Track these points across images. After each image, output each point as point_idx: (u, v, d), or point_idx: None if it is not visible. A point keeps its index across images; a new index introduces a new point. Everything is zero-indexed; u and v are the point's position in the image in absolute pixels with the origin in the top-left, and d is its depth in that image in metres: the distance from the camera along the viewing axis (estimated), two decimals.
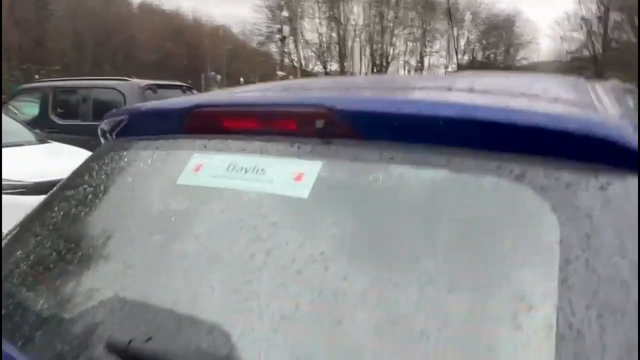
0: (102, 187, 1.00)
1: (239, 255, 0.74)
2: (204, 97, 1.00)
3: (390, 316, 0.62)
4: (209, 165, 0.88)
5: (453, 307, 0.61)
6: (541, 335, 0.56)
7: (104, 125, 1.18)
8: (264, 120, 0.88)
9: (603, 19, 26.48)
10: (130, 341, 0.65)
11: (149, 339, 0.65)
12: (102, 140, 1.21)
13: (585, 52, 27.15)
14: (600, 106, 0.84)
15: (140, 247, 0.84)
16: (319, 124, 0.82)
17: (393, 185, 0.75)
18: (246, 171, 0.83)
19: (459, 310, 0.61)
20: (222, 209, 0.82)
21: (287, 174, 0.80)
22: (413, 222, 0.72)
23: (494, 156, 0.72)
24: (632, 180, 0.68)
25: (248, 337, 0.65)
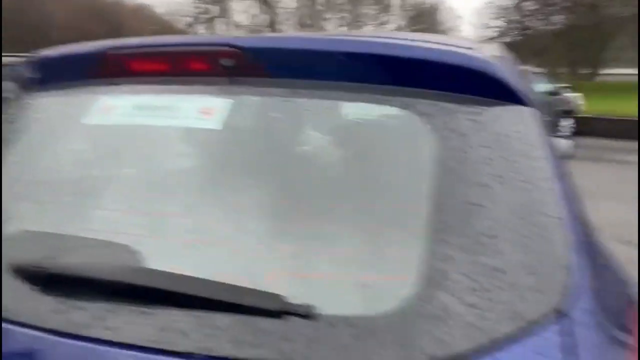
0: (9, 134, 0.98)
1: (151, 183, 0.77)
2: (114, 41, 1.01)
3: (291, 222, 0.69)
4: (118, 105, 0.89)
5: (350, 208, 0.69)
6: (419, 225, 0.65)
7: (9, 84, 1.15)
8: (173, 61, 0.90)
9: (518, 7, 28.19)
10: (37, 263, 0.66)
11: (56, 258, 0.66)
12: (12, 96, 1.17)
13: (504, 39, 28.81)
14: (481, 50, 0.95)
15: (52, 184, 0.85)
16: (228, 62, 0.85)
17: (297, 116, 0.82)
18: (156, 109, 0.86)
19: (356, 210, 0.69)
20: (133, 143, 0.84)
21: (196, 110, 0.83)
22: (316, 147, 0.79)
23: (386, 89, 0.80)
24: (500, 107, 0.78)
25: (160, 251, 0.69)
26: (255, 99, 0.83)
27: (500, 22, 28.81)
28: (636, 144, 10.77)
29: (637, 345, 0.62)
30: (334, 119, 0.80)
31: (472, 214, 0.65)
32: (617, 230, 4.56)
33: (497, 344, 0.55)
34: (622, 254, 3.75)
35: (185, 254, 0.68)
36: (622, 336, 0.61)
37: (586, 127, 12.04)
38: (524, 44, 27.85)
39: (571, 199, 0.74)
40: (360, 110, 0.80)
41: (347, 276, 0.64)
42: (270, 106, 0.82)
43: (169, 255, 0.68)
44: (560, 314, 0.57)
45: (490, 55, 0.89)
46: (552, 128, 10.02)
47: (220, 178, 0.76)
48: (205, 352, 0.57)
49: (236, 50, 0.85)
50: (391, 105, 0.78)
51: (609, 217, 5.01)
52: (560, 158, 0.85)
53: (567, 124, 11.72)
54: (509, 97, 0.80)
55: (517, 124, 0.77)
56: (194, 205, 0.73)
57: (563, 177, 0.76)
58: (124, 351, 0.59)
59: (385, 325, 0.57)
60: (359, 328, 0.57)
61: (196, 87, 0.86)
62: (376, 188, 0.72)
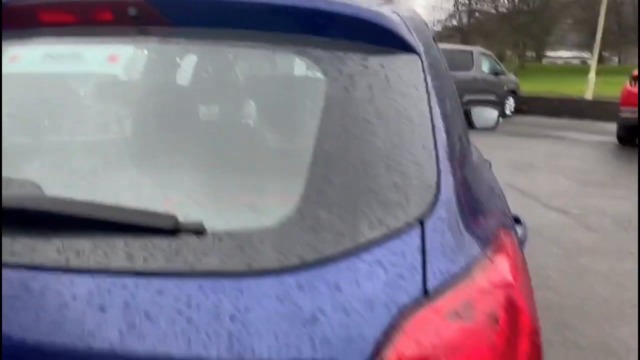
0: None
1: (55, 125, 0.80)
2: None
3: (188, 155, 0.74)
4: (25, 56, 0.91)
5: (245, 141, 0.75)
6: (305, 154, 0.72)
7: None
8: (79, 12, 0.92)
9: None
10: None
11: None
12: None
13: (454, 22, 29.53)
14: (381, 8, 1.02)
15: None
16: (132, 11, 0.88)
17: (197, 62, 0.86)
18: (63, 57, 0.88)
19: (250, 142, 0.75)
20: (39, 90, 0.87)
21: (102, 57, 0.87)
22: (215, 88, 0.84)
23: (283, 37, 0.86)
24: (389, 55, 0.86)
25: (63, 188, 0.72)
26: (157, 46, 0.86)
27: (450, 5, 29.40)
28: (572, 121, 11.44)
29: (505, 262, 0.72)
30: (231, 64, 0.85)
31: (352, 144, 0.72)
32: (554, 200, 4.87)
33: (363, 247, 0.63)
34: (558, 221, 4.00)
35: (88, 186, 0.72)
36: (480, 245, 0.70)
37: (526, 105, 12.64)
38: (473, 27, 28.65)
39: (449, 134, 0.82)
40: (259, 56, 0.85)
41: (237, 199, 0.70)
42: (172, 53, 0.86)
43: (72, 187, 0.72)
44: (419, 223, 0.66)
45: (388, 11, 0.96)
46: (500, 106, 10.28)
47: (124, 117, 0.80)
48: (99, 267, 0.62)
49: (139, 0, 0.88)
50: (288, 51, 0.84)
51: (547, 188, 5.35)
52: (457, 109, 0.94)
53: (511, 102, 12.29)
54: (399, 46, 0.87)
55: (402, 69, 0.85)
56: (98, 142, 0.77)
57: (444, 116, 0.84)
58: (25, 272, 0.63)
59: (266, 237, 0.64)
60: (242, 240, 0.63)
61: (101, 35, 0.88)
62: (267, 122, 0.78)
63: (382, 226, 0.65)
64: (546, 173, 6.01)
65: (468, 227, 0.71)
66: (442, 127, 0.81)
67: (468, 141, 1.04)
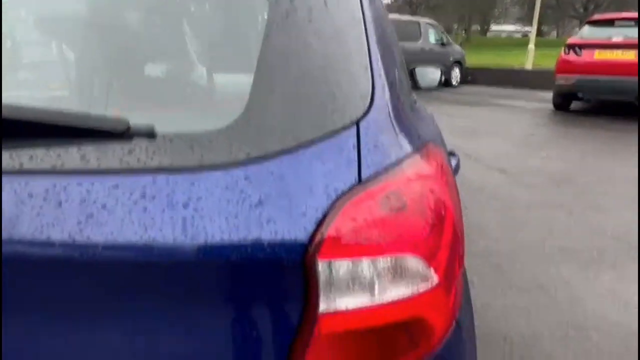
0: None
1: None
2: None
3: (138, 64, 0.77)
4: None
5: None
6: (249, 68, 0.76)
7: None
8: None
9: None
10: None
11: None
12: None
13: None
14: None
15: None
16: None
17: None
18: None
19: (200, 55, 0.79)
20: None
21: None
22: (169, 8, 0.87)
23: None
24: None
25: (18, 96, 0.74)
26: None
27: None
28: (513, 90, 11.97)
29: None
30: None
31: (292, 59, 0.78)
32: (495, 161, 5.16)
33: (304, 145, 0.69)
34: (498, 180, 4.29)
35: (37, 101, 0.74)
36: (411, 146, 0.78)
37: (472, 76, 13.08)
38: (422, 0, 29.03)
39: (384, 55, 0.89)
40: None
41: (186, 108, 0.74)
42: None
43: (28, 98, 0.74)
44: (355, 124, 0.73)
45: None
46: (447, 75, 10.69)
47: (69, 38, 0.81)
48: (54, 169, 0.65)
49: None
50: None
51: (489, 150, 5.64)
52: (389, 37, 1.00)
53: (457, 72, 12.68)
54: None
55: None
56: (44, 56, 0.78)
57: (379, 40, 0.91)
58: None
59: (215, 137, 0.69)
60: (192, 141, 0.68)
61: None
62: (217, 41, 0.82)
63: (320, 127, 0.71)
64: (488, 137, 6.31)
65: (400, 131, 0.79)
66: (377, 49, 0.88)
67: (405, 73, 1.11)
